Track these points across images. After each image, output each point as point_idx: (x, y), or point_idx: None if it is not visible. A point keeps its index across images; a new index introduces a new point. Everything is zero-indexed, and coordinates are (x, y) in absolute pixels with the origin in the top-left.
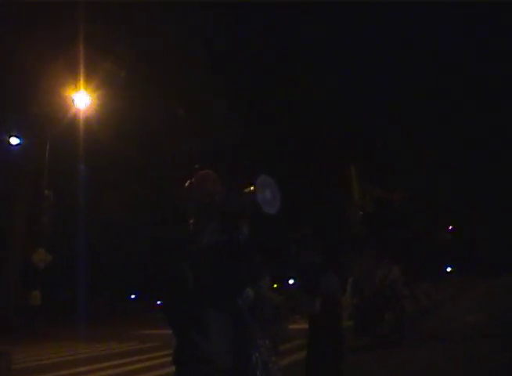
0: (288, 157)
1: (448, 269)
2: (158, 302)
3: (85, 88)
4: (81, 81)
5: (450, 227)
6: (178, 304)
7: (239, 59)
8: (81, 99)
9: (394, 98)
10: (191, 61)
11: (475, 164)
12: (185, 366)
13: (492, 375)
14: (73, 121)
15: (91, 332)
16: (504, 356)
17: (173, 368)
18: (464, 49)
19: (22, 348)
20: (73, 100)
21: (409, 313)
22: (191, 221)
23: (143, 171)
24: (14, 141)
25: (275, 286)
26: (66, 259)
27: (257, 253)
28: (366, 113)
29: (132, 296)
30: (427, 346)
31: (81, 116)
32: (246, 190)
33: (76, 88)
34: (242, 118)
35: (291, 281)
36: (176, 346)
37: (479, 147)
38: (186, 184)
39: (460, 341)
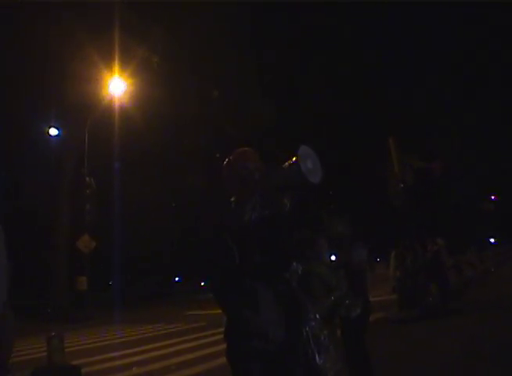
0: (325, 131)
1: (492, 240)
2: (202, 283)
3: (120, 75)
4: (116, 68)
5: (493, 197)
6: (226, 280)
7: (272, 38)
8: (117, 86)
9: (428, 66)
10: (225, 46)
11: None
12: (236, 341)
13: None
14: (110, 108)
15: (137, 315)
16: None
17: (218, 347)
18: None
19: (71, 332)
20: (109, 87)
21: (453, 284)
22: (232, 198)
23: (179, 156)
24: (53, 132)
25: None
26: (110, 245)
27: (302, 226)
28: (402, 84)
29: (176, 279)
30: (471, 316)
31: (117, 102)
32: (288, 162)
33: (111, 74)
34: (276, 99)
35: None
36: (226, 322)
37: None
38: (225, 162)
39: (504, 311)
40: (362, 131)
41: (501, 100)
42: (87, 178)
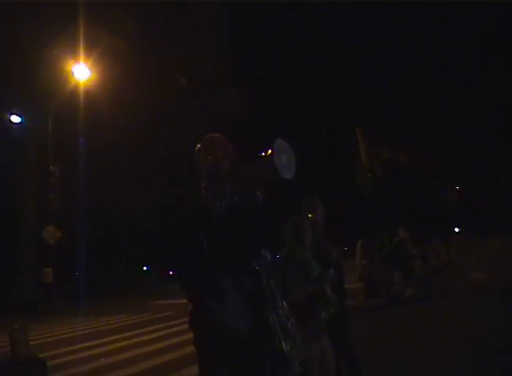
0: (293, 123)
1: (456, 229)
2: (171, 272)
3: (85, 61)
4: (81, 54)
5: (457, 187)
6: (193, 269)
7: (240, 25)
8: (81, 73)
9: (399, 60)
10: (191, 32)
11: (480, 126)
12: (202, 331)
13: (497, 324)
14: (74, 95)
15: (105, 306)
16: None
17: (185, 336)
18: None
19: (38, 324)
20: (72, 73)
21: (418, 272)
22: (203, 184)
23: (145, 141)
24: (15, 119)
25: None
26: (76, 236)
27: (272, 216)
28: (371, 76)
29: (144, 268)
30: (436, 303)
31: (81, 89)
32: (262, 155)
33: (76, 61)
34: (243, 87)
35: None
36: (192, 312)
37: (484, 108)
38: (196, 148)
39: (468, 297)
40: (331, 121)
41: (468, 92)
42: (51, 167)
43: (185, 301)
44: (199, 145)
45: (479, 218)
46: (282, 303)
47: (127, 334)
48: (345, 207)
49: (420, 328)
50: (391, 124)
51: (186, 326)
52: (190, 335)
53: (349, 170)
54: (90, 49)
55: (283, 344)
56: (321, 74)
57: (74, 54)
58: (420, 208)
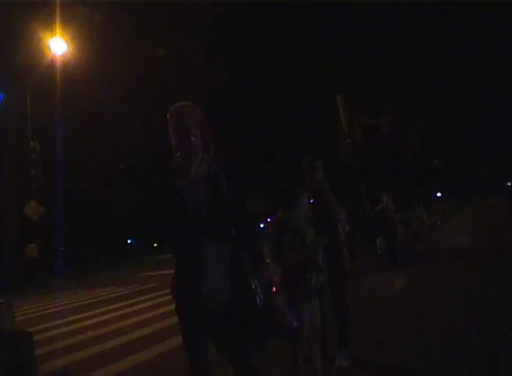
0: (274, 90)
1: (439, 195)
2: (155, 245)
3: (62, 35)
4: (57, 27)
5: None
6: (174, 234)
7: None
8: (58, 46)
9: (380, 23)
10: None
11: (461, 89)
12: (183, 298)
13: (480, 286)
14: (52, 69)
15: (90, 280)
16: (490, 270)
17: (171, 307)
18: None
19: (23, 300)
20: (49, 47)
21: (401, 238)
22: (178, 153)
23: (122, 115)
24: None
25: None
26: (59, 210)
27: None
28: (352, 41)
29: (129, 241)
30: (418, 267)
31: (58, 63)
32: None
33: (52, 34)
34: (223, 56)
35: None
36: (173, 279)
37: (466, 70)
38: (169, 116)
39: (449, 261)
40: (312, 88)
41: (455, 57)
42: (31, 143)
43: (170, 271)
44: (168, 114)
45: (462, 183)
46: (263, 265)
47: (113, 307)
48: (327, 175)
49: (403, 292)
50: (373, 89)
51: (171, 297)
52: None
53: (330, 138)
54: (66, 22)
55: (266, 310)
56: (300, 41)
57: (51, 27)
58: (402, 174)
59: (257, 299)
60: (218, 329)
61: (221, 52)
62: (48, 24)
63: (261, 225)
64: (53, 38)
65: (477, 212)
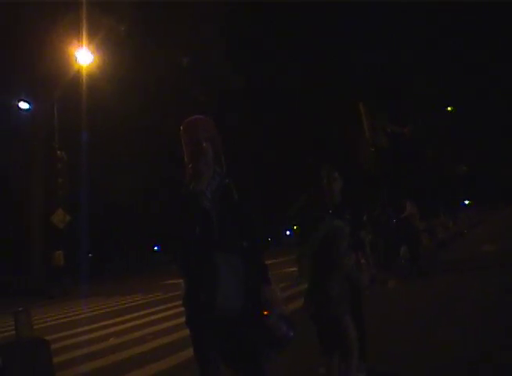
0: (296, 98)
1: (466, 202)
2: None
3: (88, 46)
4: (84, 39)
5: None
6: (187, 251)
7: (238, 5)
8: (84, 57)
9: (404, 33)
10: (190, 12)
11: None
12: (196, 310)
13: (505, 300)
14: (78, 80)
15: (116, 287)
16: None
17: None
18: None
19: (48, 307)
20: (76, 58)
21: (425, 246)
22: (190, 165)
23: (149, 124)
24: (23, 105)
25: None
26: (86, 218)
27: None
28: (376, 49)
29: (156, 248)
30: (441, 277)
31: (84, 73)
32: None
33: (78, 45)
34: (245, 63)
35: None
36: (186, 291)
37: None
38: (182, 130)
39: (474, 270)
40: (334, 97)
41: (477, 64)
42: (58, 152)
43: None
44: (182, 127)
45: (488, 190)
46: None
47: (136, 314)
48: (349, 184)
49: (426, 301)
50: (397, 98)
51: None
52: None
53: (350, 146)
54: (92, 33)
55: (276, 321)
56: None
57: (77, 39)
58: (428, 182)
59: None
60: (230, 341)
61: (242, 59)
62: (75, 36)
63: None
64: (79, 49)
65: (504, 219)
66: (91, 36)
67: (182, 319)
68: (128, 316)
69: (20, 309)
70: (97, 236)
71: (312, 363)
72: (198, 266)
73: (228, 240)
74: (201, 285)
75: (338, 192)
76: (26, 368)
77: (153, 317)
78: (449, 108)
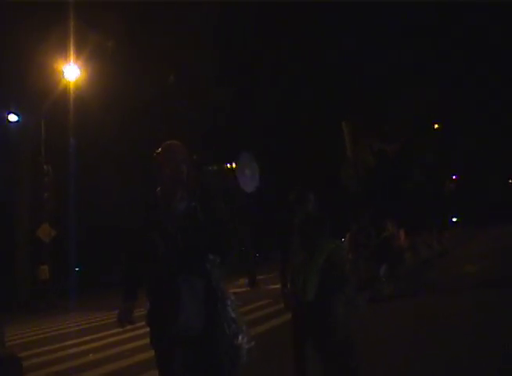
0: (280, 121)
1: (454, 219)
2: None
3: (75, 61)
4: (71, 54)
5: (454, 177)
6: (150, 269)
7: (228, 23)
8: (71, 72)
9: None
10: (180, 28)
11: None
12: (159, 329)
13: (489, 322)
14: (66, 95)
15: (102, 302)
16: (501, 303)
17: None
18: None
19: (33, 322)
20: (63, 73)
21: (408, 265)
22: (158, 189)
23: (136, 140)
24: (13, 118)
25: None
26: (72, 232)
27: (224, 221)
28: (357, 65)
29: None
30: (423, 296)
31: (72, 88)
32: (227, 166)
33: (66, 60)
34: (232, 82)
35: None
36: (149, 309)
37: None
38: (154, 154)
39: (454, 291)
40: (315, 116)
41: (462, 76)
42: (44, 166)
43: None
44: (159, 150)
45: (479, 207)
46: (231, 300)
47: (118, 330)
48: (330, 203)
49: (405, 323)
50: (378, 115)
51: None
52: None
53: (332, 165)
54: (80, 49)
55: (236, 337)
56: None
57: (65, 54)
58: (412, 199)
59: (226, 328)
60: (193, 359)
61: (229, 76)
62: (63, 51)
63: None
64: (67, 65)
65: (492, 238)
66: (79, 51)
67: None
68: (109, 332)
69: None
70: (85, 250)
71: None
72: (161, 288)
73: (191, 263)
74: (164, 305)
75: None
76: None
77: (134, 333)
78: (436, 126)
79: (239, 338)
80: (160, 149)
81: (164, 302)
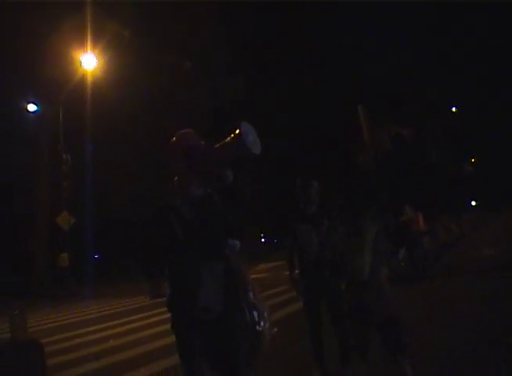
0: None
1: (473, 203)
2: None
3: (92, 50)
4: (88, 43)
5: (473, 160)
6: (169, 254)
7: (241, 11)
8: (89, 61)
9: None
10: (195, 16)
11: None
12: (180, 312)
13: (505, 306)
14: (83, 84)
15: (121, 289)
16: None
17: None
18: None
19: (53, 308)
20: (80, 62)
21: (427, 249)
22: (175, 178)
23: (152, 130)
24: (32, 107)
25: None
26: (89, 221)
27: (242, 206)
28: (369, 48)
29: None
30: (441, 280)
31: (89, 78)
32: (230, 137)
33: (84, 50)
34: (245, 69)
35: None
36: (169, 294)
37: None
38: (169, 143)
39: (475, 274)
40: (330, 100)
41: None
42: (63, 155)
43: None
44: (173, 139)
45: (497, 191)
46: (252, 285)
47: (140, 316)
48: (346, 189)
49: (423, 306)
50: (397, 99)
51: None
52: None
53: (346, 151)
54: (97, 38)
55: (258, 323)
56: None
57: (82, 43)
58: (432, 184)
59: (247, 314)
60: (212, 341)
61: (244, 67)
62: (80, 40)
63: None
64: (84, 54)
65: (508, 223)
66: (96, 40)
67: None
68: (131, 318)
69: (16, 311)
70: (102, 238)
71: (305, 368)
72: (181, 272)
73: (210, 248)
74: (184, 289)
75: (314, 200)
76: (19, 370)
77: (153, 319)
78: (454, 109)
79: (261, 323)
80: (174, 138)
81: (184, 286)
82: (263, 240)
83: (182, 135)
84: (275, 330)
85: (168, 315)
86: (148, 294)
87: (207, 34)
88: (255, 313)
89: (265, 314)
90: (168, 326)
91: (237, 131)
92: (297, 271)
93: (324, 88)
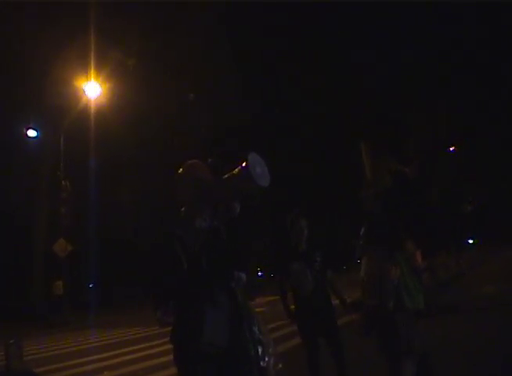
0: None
1: (471, 241)
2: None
3: (96, 78)
4: (92, 71)
5: (471, 199)
6: (174, 285)
7: (250, 36)
8: (92, 89)
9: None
10: (201, 47)
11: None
12: (184, 345)
13: (506, 346)
14: (86, 111)
15: (116, 318)
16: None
17: None
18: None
19: (47, 337)
20: (84, 91)
21: (425, 286)
22: (182, 209)
23: (156, 158)
24: (31, 133)
25: None
26: (87, 248)
27: (248, 239)
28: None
29: None
30: (439, 318)
31: (92, 106)
32: (237, 169)
33: (87, 78)
34: (254, 99)
35: None
36: (173, 326)
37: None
38: (176, 174)
39: (474, 312)
40: (333, 135)
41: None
42: (63, 182)
43: None
44: (180, 170)
45: (496, 229)
46: (257, 320)
47: (132, 348)
48: (346, 224)
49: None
50: (398, 135)
51: None
52: None
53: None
54: (100, 66)
55: (262, 359)
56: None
57: (86, 71)
58: (430, 220)
59: (251, 348)
60: (218, 373)
61: (250, 96)
62: (83, 68)
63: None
64: (88, 82)
65: (507, 261)
66: (99, 69)
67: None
68: (123, 350)
69: (11, 341)
70: (102, 265)
71: None
72: (186, 304)
73: (215, 280)
74: (188, 321)
75: (303, 237)
76: None
77: (148, 352)
78: (452, 147)
79: (266, 359)
80: (181, 168)
81: (188, 318)
82: (260, 273)
83: (190, 166)
84: (280, 366)
85: (166, 347)
86: (158, 322)
87: (212, 59)
88: (260, 349)
89: (270, 350)
90: (165, 358)
91: (244, 164)
92: (292, 306)
93: (323, 120)
